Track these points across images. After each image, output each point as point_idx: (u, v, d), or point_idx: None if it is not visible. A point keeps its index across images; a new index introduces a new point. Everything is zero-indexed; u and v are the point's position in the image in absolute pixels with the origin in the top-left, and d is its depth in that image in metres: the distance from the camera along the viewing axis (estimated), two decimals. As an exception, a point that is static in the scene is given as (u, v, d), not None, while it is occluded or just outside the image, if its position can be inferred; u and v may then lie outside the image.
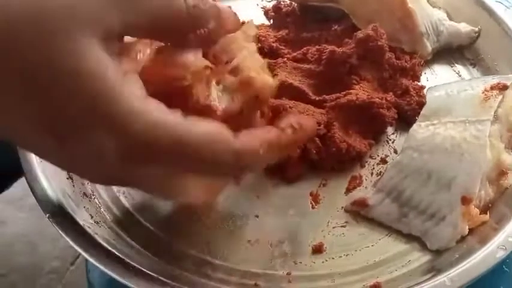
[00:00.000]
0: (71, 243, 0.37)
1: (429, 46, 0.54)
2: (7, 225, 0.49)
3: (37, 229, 0.50)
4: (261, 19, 0.59)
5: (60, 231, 0.37)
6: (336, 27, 0.55)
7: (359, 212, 0.44)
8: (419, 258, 0.42)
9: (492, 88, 0.46)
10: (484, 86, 0.47)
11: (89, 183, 0.45)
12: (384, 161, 0.48)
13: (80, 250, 0.37)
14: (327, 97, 0.49)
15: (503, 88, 0.45)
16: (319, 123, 0.46)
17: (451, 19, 0.57)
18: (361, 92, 0.49)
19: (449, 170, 0.43)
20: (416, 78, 0.54)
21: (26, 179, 0.41)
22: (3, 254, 0.47)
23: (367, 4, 0.54)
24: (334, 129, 0.47)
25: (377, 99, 0.48)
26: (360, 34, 0.51)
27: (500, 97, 0.45)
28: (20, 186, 0.42)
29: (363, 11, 0.55)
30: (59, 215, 0.39)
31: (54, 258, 0.45)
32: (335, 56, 0.50)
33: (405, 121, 0.50)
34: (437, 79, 0.55)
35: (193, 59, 0.34)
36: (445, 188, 0.42)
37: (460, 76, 0.55)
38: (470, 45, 0.56)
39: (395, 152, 0.49)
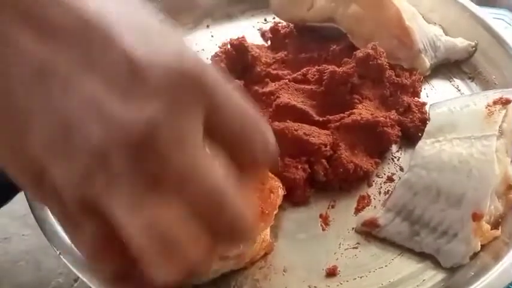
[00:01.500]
0: (88, 282, 0.36)
1: (427, 62, 0.55)
2: (11, 242, 0.49)
3: (41, 246, 0.49)
4: (253, 39, 0.59)
5: (74, 270, 0.37)
6: (334, 46, 0.55)
7: (370, 232, 0.44)
8: (433, 277, 0.42)
9: (495, 103, 0.46)
10: (486, 101, 0.47)
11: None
12: (390, 179, 0.48)
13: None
14: (330, 117, 0.49)
15: (506, 102, 0.46)
16: (325, 145, 0.46)
17: (447, 34, 0.58)
18: (364, 111, 0.49)
19: (459, 187, 0.43)
20: (417, 94, 0.54)
21: (35, 218, 0.40)
22: (8, 271, 0.47)
23: (365, 23, 0.54)
24: (341, 149, 0.47)
25: (382, 118, 0.48)
26: (359, 53, 0.51)
27: (503, 111, 0.45)
28: (23, 203, 0.42)
29: (361, 30, 0.55)
30: (71, 252, 0.38)
31: (58, 275, 0.45)
32: (336, 76, 0.50)
33: (408, 138, 0.51)
34: (437, 94, 0.55)
35: None
36: (455, 204, 0.43)
37: (459, 91, 0.56)
38: (467, 59, 0.57)
39: (401, 169, 0.49)
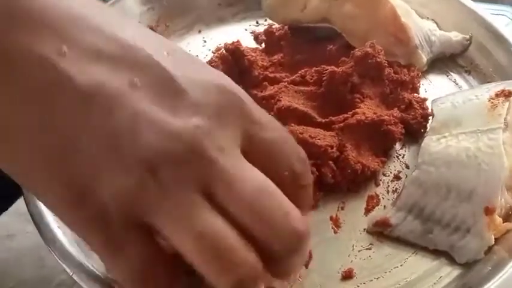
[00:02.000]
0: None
1: (424, 57, 0.55)
2: (15, 238, 0.48)
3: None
4: (246, 42, 0.58)
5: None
6: (330, 46, 0.55)
7: (382, 233, 0.44)
8: (449, 274, 0.41)
9: (497, 95, 0.46)
10: (488, 93, 0.47)
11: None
12: (397, 177, 0.48)
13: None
14: (333, 118, 0.49)
15: (508, 95, 0.46)
16: (331, 146, 0.46)
17: (440, 29, 0.58)
18: (366, 110, 0.49)
19: (469, 182, 0.43)
20: (416, 90, 0.54)
21: (43, 239, 0.39)
22: (12, 267, 0.47)
23: (360, 21, 0.54)
24: (347, 150, 0.46)
25: (386, 116, 0.48)
26: (358, 52, 0.51)
27: (507, 104, 0.45)
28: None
29: (356, 28, 0.55)
30: (83, 271, 0.38)
31: (62, 272, 0.44)
32: (336, 76, 0.50)
33: (411, 135, 0.51)
34: (435, 89, 0.55)
35: None
36: (466, 199, 0.42)
37: (457, 84, 0.56)
38: (462, 53, 0.57)
39: (407, 167, 0.49)
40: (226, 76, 0.30)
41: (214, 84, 0.28)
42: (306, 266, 0.41)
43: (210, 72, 0.30)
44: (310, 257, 0.41)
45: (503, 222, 0.42)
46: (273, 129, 0.30)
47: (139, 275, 0.26)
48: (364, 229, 0.44)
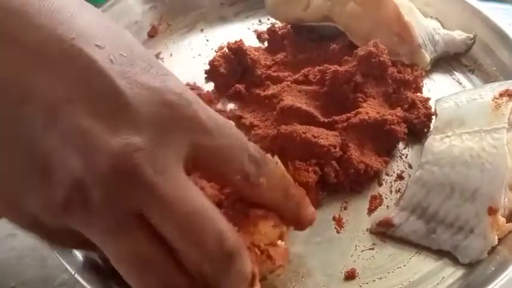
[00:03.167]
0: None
1: (428, 56, 0.55)
2: (17, 238, 0.48)
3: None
4: (249, 41, 0.58)
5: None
6: (333, 45, 0.55)
7: (385, 233, 0.44)
8: (452, 274, 0.41)
9: (501, 95, 0.46)
10: (492, 93, 0.47)
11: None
12: (400, 177, 0.48)
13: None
14: (336, 118, 0.49)
15: (512, 94, 0.46)
16: (334, 146, 0.46)
17: (444, 28, 0.57)
18: (369, 109, 0.49)
19: (472, 182, 0.43)
20: (419, 89, 0.54)
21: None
22: (13, 267, 0.47)
23: (363, 21, 0.54)
24: (350, 150, 0.46)
25: (389, 116, 0.48)
26: (361, 51, 0.51)
27: (511, 103, 0.45)
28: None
29: (359, 27, 0.54)
30: (85, 270, 0.37)
31: (63, 271, 0.44)
32: (339, 75, 0.50)
33: (415, 134, 0.50)
34: (438, 89, 0.55)
35: None
36: (470, 199, 0.42)
37: (460, 84, 0.55)
38: (466, 52, 0.57)
39: (410, 166, 0.49)
40: (179, 82, 0.29)
41: (163, 95, 0.27)
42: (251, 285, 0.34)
43: (163, 80, 0.28)
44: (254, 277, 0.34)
45: (507, 223, 0.42)
46: (222, 136, 0.30)
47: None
48: (367, 229, 0.44)
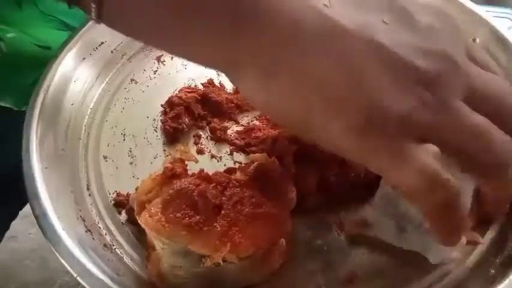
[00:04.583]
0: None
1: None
2: (18, 240, 0.48)
3: (48, 244, 0.50)
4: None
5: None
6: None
7: (363, 234, 0.44)
8: (453, 275, 0.42)
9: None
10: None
11: (107, 234, 0.43)
12: (400, 180, 0.48)
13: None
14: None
15: None
16: (335, 149, 0.46)
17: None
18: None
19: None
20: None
21: (48, 240, 0.39)
22: (14, 269, 0.47)
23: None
24: (351, 153, 0.46)
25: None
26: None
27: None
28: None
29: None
30: (87, 274, 0.38)
31: (64, 273, 0.45)
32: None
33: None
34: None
35: None
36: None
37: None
38: (466, 56, 0.57)
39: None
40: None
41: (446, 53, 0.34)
42: None
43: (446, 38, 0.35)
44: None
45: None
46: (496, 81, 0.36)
47: (427, 178, 0.32)
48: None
